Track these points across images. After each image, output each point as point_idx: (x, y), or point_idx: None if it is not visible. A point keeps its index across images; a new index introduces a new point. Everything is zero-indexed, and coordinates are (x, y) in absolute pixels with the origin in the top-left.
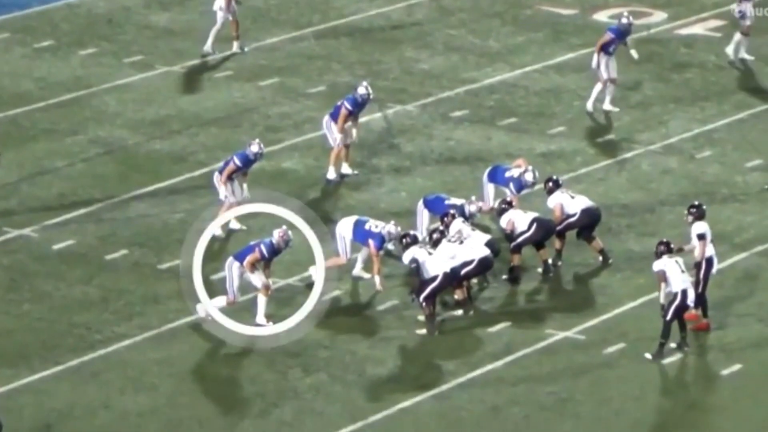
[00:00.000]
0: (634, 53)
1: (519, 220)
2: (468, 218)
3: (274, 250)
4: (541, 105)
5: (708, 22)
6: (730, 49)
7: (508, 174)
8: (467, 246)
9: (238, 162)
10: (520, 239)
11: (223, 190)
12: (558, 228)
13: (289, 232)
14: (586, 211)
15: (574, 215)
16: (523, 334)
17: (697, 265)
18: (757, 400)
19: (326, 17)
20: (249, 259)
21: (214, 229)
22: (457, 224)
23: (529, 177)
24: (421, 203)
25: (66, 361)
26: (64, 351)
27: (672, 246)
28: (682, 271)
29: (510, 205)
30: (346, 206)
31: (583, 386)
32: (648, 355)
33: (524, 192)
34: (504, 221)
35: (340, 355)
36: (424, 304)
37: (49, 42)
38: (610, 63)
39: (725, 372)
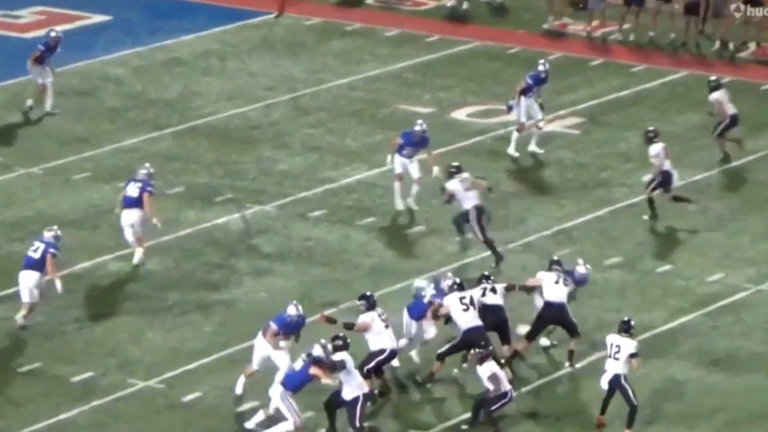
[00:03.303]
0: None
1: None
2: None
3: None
4: None
5: (566, 119)
6: (532, 147)
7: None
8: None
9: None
10: (446, 347)
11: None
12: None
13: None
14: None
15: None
16: None
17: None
18: None
19: (184, 117)
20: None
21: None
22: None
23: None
24: (406, 315)
25: None
26: None
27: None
28: None
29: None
30: (205, 306)
31: None
32: None
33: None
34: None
35: None
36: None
37: None
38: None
39: None
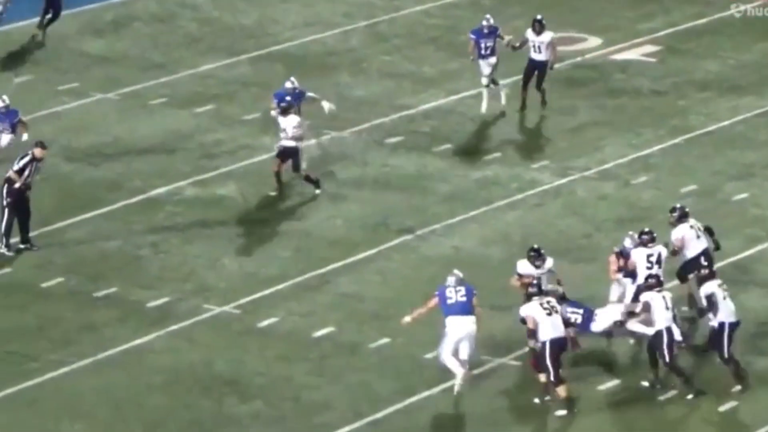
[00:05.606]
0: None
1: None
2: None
3: None
4: (477, 131)
5: (643, 47)
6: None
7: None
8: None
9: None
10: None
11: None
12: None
13: None
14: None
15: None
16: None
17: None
18: None
19: (261, 44)
20: None
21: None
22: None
23: None
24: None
25: (2, 389)
26: (0, 379)
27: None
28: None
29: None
30: (282, 233)
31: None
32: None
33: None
34: None
35: (277, 382)
36: None
37: None
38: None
39: None
